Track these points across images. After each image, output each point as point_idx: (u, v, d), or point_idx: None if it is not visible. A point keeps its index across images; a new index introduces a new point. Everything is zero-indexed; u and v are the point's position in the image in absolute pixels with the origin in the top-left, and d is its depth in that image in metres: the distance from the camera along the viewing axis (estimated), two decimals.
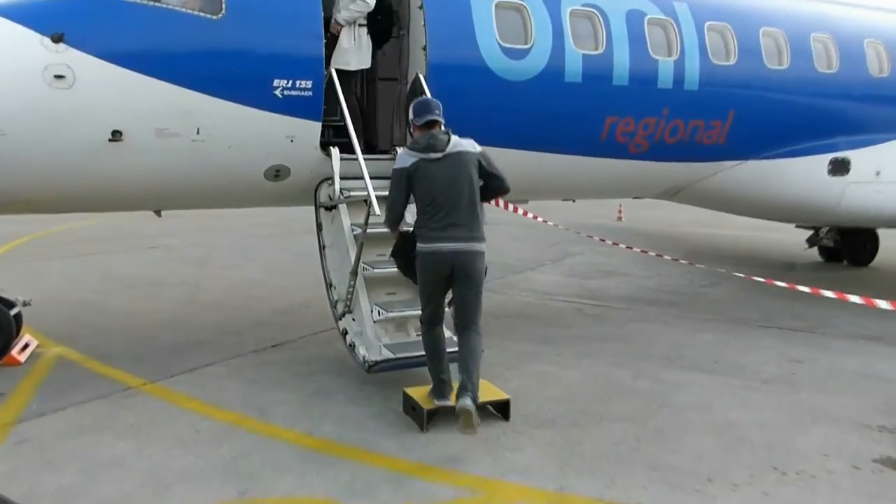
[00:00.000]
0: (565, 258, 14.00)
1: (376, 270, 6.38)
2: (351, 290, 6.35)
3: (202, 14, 6.11)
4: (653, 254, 10.63)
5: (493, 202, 6.56)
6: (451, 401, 5.20)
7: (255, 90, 6.35)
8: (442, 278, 5.21)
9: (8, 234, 15.09)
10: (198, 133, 6.26)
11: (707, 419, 5.57)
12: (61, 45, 5.64)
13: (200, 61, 6.13)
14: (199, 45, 6.12)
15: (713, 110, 8.67)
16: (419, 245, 5.27)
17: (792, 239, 15.29)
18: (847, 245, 13.67)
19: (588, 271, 12.56)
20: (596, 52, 7.94)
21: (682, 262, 10.66)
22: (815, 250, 14.27)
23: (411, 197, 5.36)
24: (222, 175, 6.63)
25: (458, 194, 5.14)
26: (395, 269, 6.02)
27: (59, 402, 5.75)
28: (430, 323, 5.41)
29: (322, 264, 6.89)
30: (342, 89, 6.73)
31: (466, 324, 5.23)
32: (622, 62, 8.04)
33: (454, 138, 5.26)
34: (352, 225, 6.63)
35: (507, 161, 7.77)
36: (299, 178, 6.91)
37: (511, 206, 7.49)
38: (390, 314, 6.19)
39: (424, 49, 7.00)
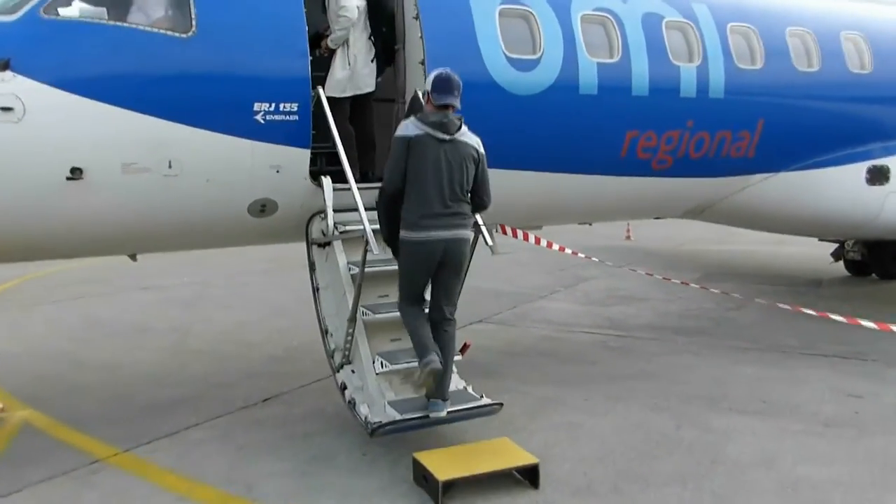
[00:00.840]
0: (578, 283, 13.20)
1: (378, 315, 5.60)
2: (350, 337, 5.56)
3: (169, 33, 5.39)
4: (676, 281, 9.81)
5: (508, 231, 5.81)
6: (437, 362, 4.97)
7: (233, 116, 5.61)
8: (430, 267, 5.10)
9: (2, 277, 14.34)
10: (170, 167, 5.51)
11: (772, 478, 4.75)
12: (7, 74, 4.90)
13: (169, 86, 5.40)
14: (166, 68, 5.38)
15: (741, 120, 7.92)
16: (404, 233, 5.08)
17: (812, 252, 14.49)
18: (876, 258, 12.85)
19: (604, 297, 11.76)
20: (612, 61, 7.22)
21: (712, 290, 9.85)
22: (840, 264, 13.46)
23: None
24: (200, 212, 5.86)
25: (453, 181, 5.03)
26: (398, 313, 5.32)
27: (14, 483, 4.96)
28: (411, 302, 5.26)
29: (316, 309, 6.10)
30: (334, 112, 5.99)
31: (443, 311, 5.21)
32: (641, 70, 7.31)
33: (465, 128, 5.16)
34: (348, 263, 5.87)
35: (519, 185, 7.10)
36: (288, 212, 6.15)
37: (521, 234, 6.55)
38: (395, 366, 5.40)
39: (422, 64, 6.28)
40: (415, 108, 6.01)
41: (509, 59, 6.68)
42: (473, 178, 5.16)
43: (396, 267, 5.36)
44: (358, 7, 6.26)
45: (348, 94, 6.33)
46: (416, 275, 5.14)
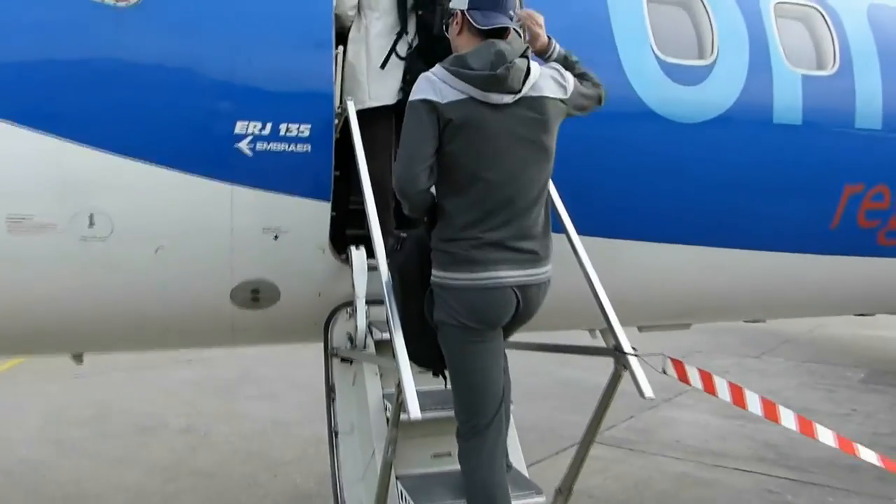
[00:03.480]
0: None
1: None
2: None
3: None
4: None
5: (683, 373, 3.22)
6: None
7: (201, 142, 3.36)
8: (495, 337, 2.91)
9: None
10: (91, 224, 3.30)
11: None
12: None
13: (92, 86, 3.20)
14: (88, 54, 3.20)
15: None
16: (446, 275, 2.86)
17: None
18: None
19: None
20: (824, 74, 4.67)
21: None
22: None
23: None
24: (148, 299, 3.60)
25: (530, 180, 2.85)
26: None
27: None
28: (475, 432, 2.94)
29: (332, 467, 3.68)
30: (365, 141, 3.64)
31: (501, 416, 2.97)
32: (870, 90, 4.73)
33: (534, 66, 2.86)
34: (383, 396, 3.44)
35: (668, 264, 4.54)
36: (296, 302, 3.84)
37: (696, 375, 3.75)
38: None
39: None
40: None
41: (662, 65, 4.20)
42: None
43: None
44: None
45: (371, 102, 3.90)
46: (476, 358, 2.89)
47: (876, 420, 8.14)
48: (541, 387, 8.33)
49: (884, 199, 4.79)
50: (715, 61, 4.32)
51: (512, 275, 2.81)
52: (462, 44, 2.87)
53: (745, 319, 6.41)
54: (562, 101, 2.88)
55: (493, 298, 2.80)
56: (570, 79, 2.92)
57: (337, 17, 3.93)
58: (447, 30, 3.00)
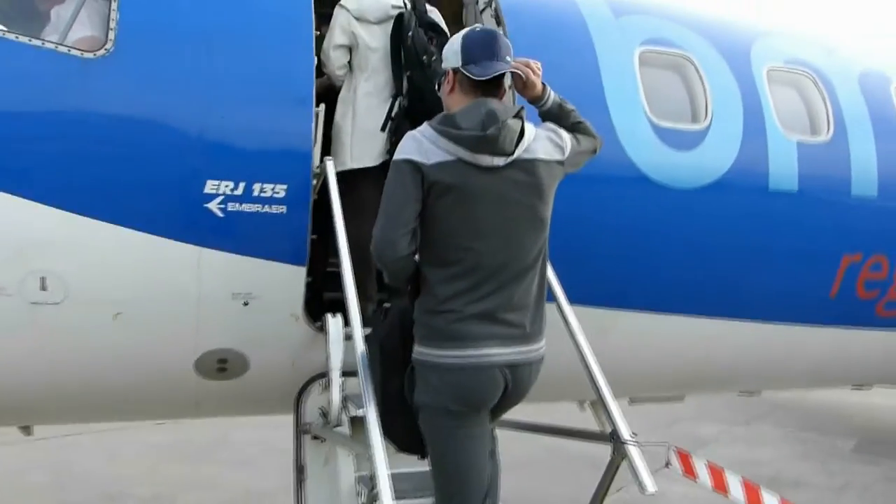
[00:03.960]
0: (695, 450, 9.90)
1: None
2: None
3: (62, 49, 3.02)
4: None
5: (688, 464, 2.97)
6: None
7: (167, 200, 3.14)
8: (481, 421, 2.64)
9: None
10: (43, 287, 3.04)
11: None
12: None
13: (47, 140, 2.99)
14: (45, 107, 3.00)
15: None
16: (428, 351, 2.59)
17: None
18: None
19: None
20: (818, 140, 4.53)
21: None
22: None
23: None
24: (105, 368, 3.33)
25: (522, 249, 2.62)
26: None
27: None
28: None
29: None
30: (348, 202, 3.44)
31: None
32: (864, 158, 4.61)
33: (529, 127, 2.63)
34: (357, 480, 3.16)
35: (660, 334, 4.33)
36: (266, 373, 3.57)
37: (705, 470, 3.52)
38: None
39: None
40: None
41: (656, 129, 4.05)
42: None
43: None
44: (352, 45, 3.77)
45: (352, 164, 3.73)
46: (460, 439, 2.61)
47: (873, 493, 7.88)
48: (526, 454, 8.01)
49: (882, 269, 4.63)
50: (709, 126, 4.19)
51: (500, 353, 2.56)
52: (454, 102, 2.67)
53: (740, 392, 6.18)
54: (559, 162, 2.67)
55: (478, 379, 2.55)
56: (566, 139, 2.72)
57: (329, 76, 3.80)
58: (440, 89, 2.82)
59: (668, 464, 2.96)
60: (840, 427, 11.41)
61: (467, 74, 2.57)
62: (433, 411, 2.57)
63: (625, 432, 2.83)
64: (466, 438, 2.58)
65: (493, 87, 2.61)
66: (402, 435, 2.73)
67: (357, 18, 3.73)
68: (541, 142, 2.64)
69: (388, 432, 2.81)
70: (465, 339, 2.52)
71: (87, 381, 3.35)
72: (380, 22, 3.77)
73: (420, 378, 2.61)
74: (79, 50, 3.05)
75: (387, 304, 2.97)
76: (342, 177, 3.71)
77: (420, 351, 2.60)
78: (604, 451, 3.17)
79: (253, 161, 3.24)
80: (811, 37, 5.06)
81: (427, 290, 2.60)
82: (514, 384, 2.61)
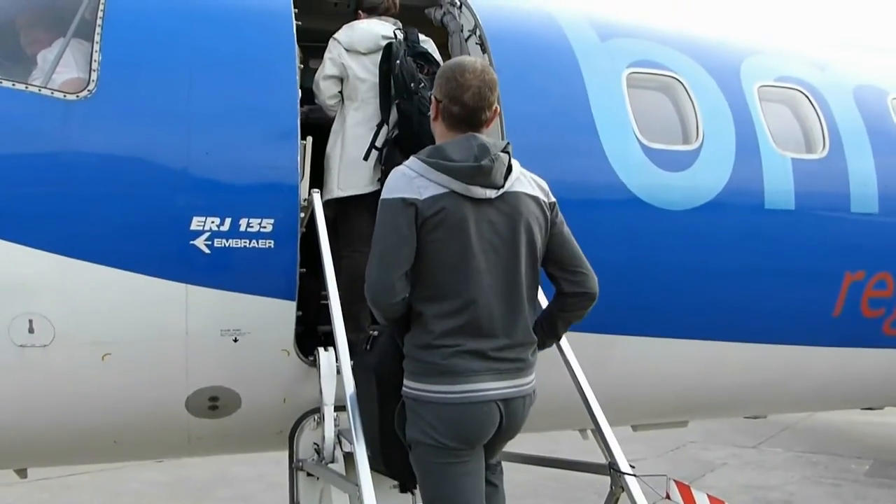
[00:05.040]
0: (703, 475, 9.66)
1: None
2: None
3: (45, 91, 3.04)
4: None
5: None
6: None
7: (153, 239, 3.12)
8: (475, 457, 2.56)
9: None
10: (31, 330, 3.02)
11: None
12: None
13: (35, 181, 3.01)
14: (30, 149, 3.01)
15: None
16: (421, 387, 2.53)
17: None
18: None
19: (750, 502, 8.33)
20: (814, 157, 4.48)
21: None
22: None
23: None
24: (94, 410, 3.30)
25: (516, 281, 2.57)
26: None
27: None
28: None
29: None
30: (342, 232, 3.43)
31: None
32: (862, 173, 4.53)
33: (515, 165, 2.64)
34: None
35: (660, 359, 4.26)
36: (258, 409, 3.53)
37: (680, 493, 3.41)
38: None
39: None
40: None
41: (646, 151, 4.02)
42: (546, 248, 2.68)
43: None
44: (343, 76, 3.79)
45: (340, 192, 3.72)
46: (453, 481, 2.52)
47: None
48: (529, 483, 7.87)
49: (887, 286, 4.53)
50: (701, 146, 4.14)
51: (495, 387, 2.50)
52: (440, 133, 2.66)
53: (745, 415, 6.06)
54: (543, 202, 2.64)
55: (473, 414, 2.48)
56: (551, 195, 2.71)
57: (321, 107, 3.82)
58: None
59: (667, 495, 2.88)
60: (853, 449, 11.09)
61: (444, 110, 2.57)
62: (426, 448, 2.50)
63: (623, 464, 2.76)
64: (461, 475, 2.51)
65: (479, 122, 2.60)
66: (403, 465, 2.65)
67: (347, 50, 3.78)
68: (526, 179, 2.64)
69: (389, 465, 2.76)
70: (460, 375, 2.47)
71: (77, 424, 3.31)
72: (369, 53, 3.79)
73: (412, 414, 2.54)
74: (62, 92, 3.06)
75: (373, 332, 2.91)
76: (334, 206, 3.71)
77: (412, 386, 2.54)
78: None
79: (239, 196, 3.23)
80: (802, 53, 5.01)
81: (421, 326, 2.53)
82: (509, 418, 2.55)
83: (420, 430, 2.51)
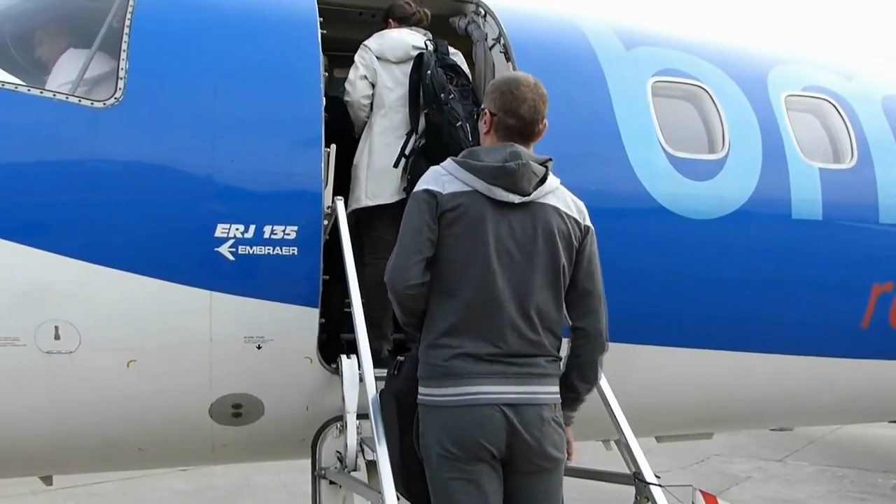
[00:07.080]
0: (729, 488, 9.51)
1: None
2: None
3: (73, 99, 3.07)
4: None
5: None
6: None
7: (177, 247, 3.14)
8: (486, 475, 2.43)
9: None
10: (56, 337, 3.03)
11: None
12: None
13: (58, 191, 3.02)
14: (56, 157, 3.04)
15: None
16: (426, 392, 2.53)
17: None
18: None
19: None
20: (842, 167, 4.43)
21: None
22: None
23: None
24: (120, 416, 3.31)
25: (528, 288, 2.52)
26: None
27: None
28: None
29: None
30: (367, 240, 3.44)
31: None
32: (891, 182, 4.47)
33: (552, 179, 2.62)
34: None
35: (684, 370, 4.22)
36: (281, 417, 3.52)
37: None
38: None
39: None
40: None
41: (672, 160, 3.98)
42: (572, 278, 2.61)
43: None
44: (373, 81, 3.82)
45: (367, 201, 3.74)
46: (458, 497, 2.43)
47: None
48: None
49: None
50: (727, 155, 4.10)
51: (497, 391, 2.43)
52: (486, 141, 2.69)
53: (771, 428, 5.97)
54: (576, 221, 2.61)
55: (473, 417, 2.41)
56: (587, 219, 2.68)
57: (352, 107, 3.84)
58: (479, 120, 2.81)
59: (695, 497, 2.84)
60: (879, 463, 10.90)
61: (494, 120, 2.60)
62: (435, 459, 2.45)
63: (648, 474, 2.72)
64: (466, 492, 2.41)
65: (521, 134, 2.61)
66: (424, 494, 2.57)
67: (378, 57, 3.81)
68: (562, 195, 2.62)
69: (409, 491, 2.69)
70: (460, 377, 2.44)
71: (101, 430, 3.32)
72: (399, 62, 3.82)
73: (423, 422, 2.53)
74: (89, 100, 3.09)
75: (401, 358, 2.89)
76: (359, 215, 3.72)
77: (422, 392, 2.53)
78: None
79: (263, 203, 3.24)
80: (830, 62, 4.96)
81: (428, 323, 2.55)
82: (524, 427, 2.43)
83: (428, 438, 2.49)
